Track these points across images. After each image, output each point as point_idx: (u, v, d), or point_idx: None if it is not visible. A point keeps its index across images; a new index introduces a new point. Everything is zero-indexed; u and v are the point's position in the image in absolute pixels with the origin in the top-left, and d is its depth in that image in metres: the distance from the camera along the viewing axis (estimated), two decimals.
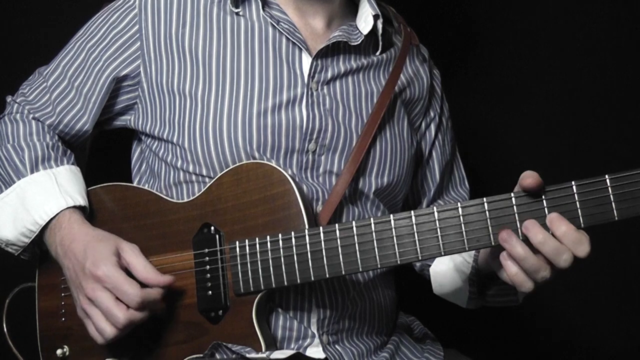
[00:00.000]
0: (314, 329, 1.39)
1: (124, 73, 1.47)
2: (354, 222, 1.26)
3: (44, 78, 1.53)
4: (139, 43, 1.45)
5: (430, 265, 1.61)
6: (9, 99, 1.57)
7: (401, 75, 1.53)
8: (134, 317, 1.29)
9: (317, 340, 1.39)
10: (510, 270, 1.18)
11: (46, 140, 1.50)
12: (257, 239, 1.32)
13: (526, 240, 1.16)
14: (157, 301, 1.32)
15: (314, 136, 1.42)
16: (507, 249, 1.17)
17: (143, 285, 1.31)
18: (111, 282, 1.29)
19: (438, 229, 1.22)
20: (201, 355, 1.35)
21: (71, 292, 1.38)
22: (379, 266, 1.26)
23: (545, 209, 1.17)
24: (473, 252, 1.44)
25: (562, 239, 1.14)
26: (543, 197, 1.17)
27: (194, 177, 1.43)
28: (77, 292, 1.35)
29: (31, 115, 1.52)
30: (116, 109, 1.52)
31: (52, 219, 1.40)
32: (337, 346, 1.42)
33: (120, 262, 1.33)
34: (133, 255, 1.34)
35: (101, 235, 1.38)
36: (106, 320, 1.30)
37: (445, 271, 1.54)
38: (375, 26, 1.49)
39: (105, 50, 1.47)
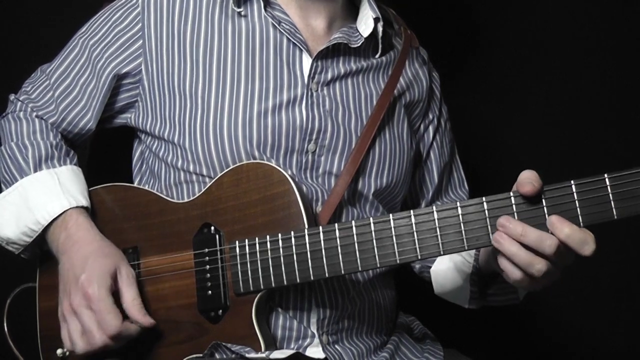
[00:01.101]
0: (313, 328, 1.39)
1: (125, 71, 1.47)
2: (353, 222, 1.27)
3: (47, 76, 1.54)
4: (141, 41, 1.46)
5: (430, 267, 1.61)
6: (12, 97, 1.58)
7: (400, 78, 1.53)
8: (110, 344, 1.31)
9: (316, 340, 1.39)
10: (513, 275, 1.18)
11: (49, 139, 1.50)
12: (256, 238, 1.32)
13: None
14: (133, 337, 1.33)
15: (314, 137, 1.42)
16: (500, 250, 1.18)
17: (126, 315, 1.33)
18: (96, 306, 1.31)
19: (437, 229, 1.22)
20: (201, 355, 1.35)
21: (60, 289, 1.39)
22: (378, 266, 1.26)
23: (545, 208, 1.17)
24: (473, 251, 1.44)
25: (566, 241, 1.14)
26: (542, 196, 1.17)
27: (194, 177, 1.43)
28: (63, 295, 1.37)
29: (34, 114, 1.53)
30: (117, 107, 1.52)
31: (56, 218, 1.40)
32: (336, 346, 1.42)
33: (113, 286, 1.34)
34: (126, 284, 1.35)
35: (105, 249, 1.39)
36: (81, 337, 1.32)
37: (446, 271, 1.55)
38: (375, 29, 1.49)
39: (108, 47, 1.48)
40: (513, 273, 1.18)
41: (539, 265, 1.16)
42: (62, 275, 1.38)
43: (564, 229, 1.14)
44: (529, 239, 1.15)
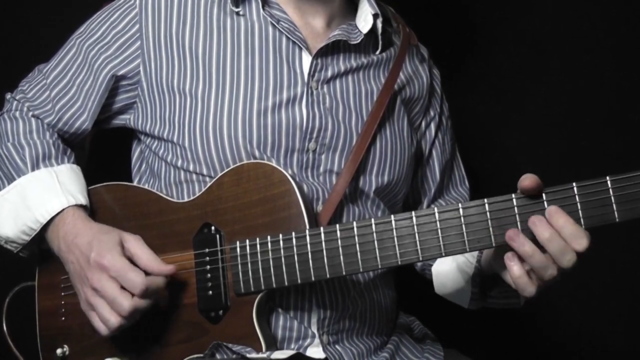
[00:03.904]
0: (314, 329, 1.39)
1: (122, 72, 1.47)
2: (354, 223, 1.27)
3: (44, 75, 1.53)
4: (139, 42, 1.45)
5: (432, 265, 1.61)
6: (8, 96, 1.57)
7: (400, 74, 1.53)
8: (138, 305, 1.30)
9: (317, 340, 1.39)
10: (514, 272, 1.18)
11: (46, 138, 1.50)
12: (257, 239, 1.32)
13: (532, 239, 1.17)
14: (161, 289, 1.33)
15: (314, 135, 1.42)
16: (514, 247, 1.17)
17: (146, 274, 1.32)
18: (116, 270, 1.30)
19: (439, 230, 1.22)
20: (201, 355, 1.35)
21: (74, 286, 1.38)
22: (379, 266, 1.26)
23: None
24: (476, 252, 1.44)
25: (560, 231, 1.15)
26: (544, 198, 1.18)
27: (194, 177, 1.43)
28: (81, 285, 1.36)
29: (30, 113, 1.52)
30: (115, 108, 1.52)
31: (54, 216, 1.40)
32: (337, 346, 1.42)
33: (125, 252, 1.34)
34: (137, 246, 1.35)
35: (105, 228, 1.39)
36: (111, 310, 1.31)
37: (448, 271, 1.54)
38: (374, 25, 1.49)
39: (105, 49, 1.47)
40: (519, 278, 1.18)
41: (552, 270, 1.17)
42: (72, 271, 1.38)
43: (559, 219, 1.15)
44: (552, 246, 1.16)
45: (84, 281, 1.34)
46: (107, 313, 1.31)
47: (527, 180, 1.16)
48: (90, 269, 1.33)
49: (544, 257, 1.17)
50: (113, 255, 1.32)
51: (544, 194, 1.18)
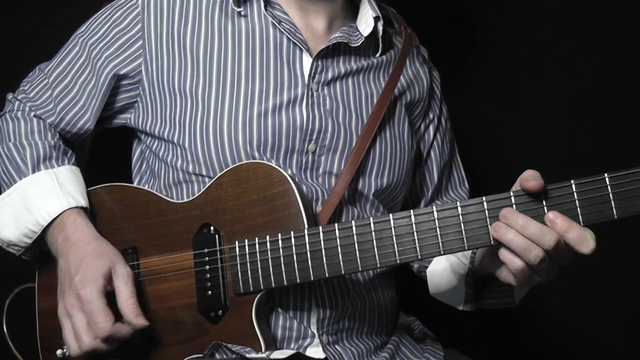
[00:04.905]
0: (313, 328, 1.39)
1: (124, 71, 1.47)
2: (353, 222, 1.27)
3: (45, 75, 1.53)
4: (140, 42, 1.45)
5: (427, 267, 1.61)
6: (9, 96, 1.57)
7: (401, 77, 1.54)
8: (98, 347, 1.31)
9: (317, 340, 1.39)
10: (516, 264, 1.17)
11: (47, 139, 1.50)
12: (256, 239, 1.32)
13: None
14: (126, 338, 1.33)
15: (314, 136, 1.42)
16: (498, 238, 1.17)
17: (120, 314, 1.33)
18: (88, 307, 1.31)
19: (437, 228, 1.22)
20: (201, 355, 1.35)
21: (59, 288, 1.39)
22: (378, 265, 1.26)
23: (545, 207, 1.17)
24: (469, 253, 1.44)
25: (564, 236, 1.14)
26: (542, 196, 1.17)
27: (193, 177, 1.43)
28: (60, 296, 1.37)
29: (32, 113, 1.53)
30: (116, 107, 1.52)
31: (54, 218, 1.40)
32: (337, 346, 1.42)
33: (107, 286, 1.34)
34: (122, 282, 1.34)
35: (101, 249, 1.38)
36: (74, 338, 1.32)
37: (441, 272, 1.54)
38: (375, 28, 1.49)
39: (107, 48, 1.47)
40: (512, 261, 1.17)
41: (535, 251, 1.15)
42: (60, 277, 1.39)
43: (563, 225, 1.14)
44: (529, 230, 1.15)
45: (63, 296, 1.36)
46: (70, 340, 1.33)
47: (533, 181, 1.15)
48: (69, 291, 1.34)
49: (524, 240, 1.15)
50: (92, 289, 1.31)
51: (542, 192, 1.17)
